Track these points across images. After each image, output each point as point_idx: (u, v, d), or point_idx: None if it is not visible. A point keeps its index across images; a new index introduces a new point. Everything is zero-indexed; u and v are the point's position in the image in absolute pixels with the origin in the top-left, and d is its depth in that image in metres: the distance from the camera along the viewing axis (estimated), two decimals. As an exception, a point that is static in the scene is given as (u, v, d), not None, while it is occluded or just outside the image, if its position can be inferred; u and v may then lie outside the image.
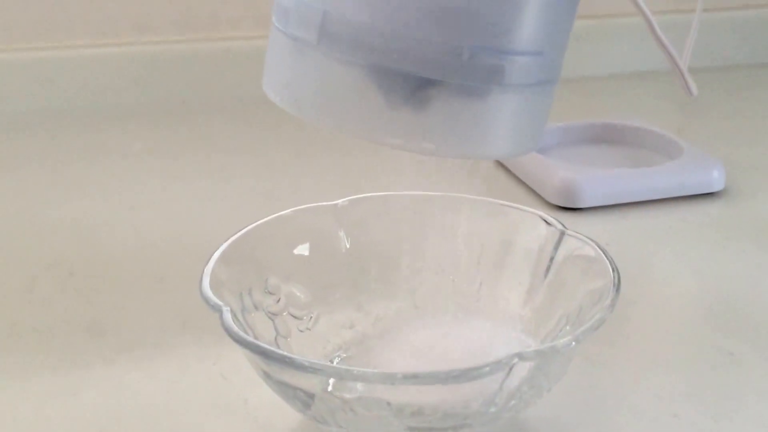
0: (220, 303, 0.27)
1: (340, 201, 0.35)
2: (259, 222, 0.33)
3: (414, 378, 0.24)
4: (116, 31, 0.68)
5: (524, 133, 0.28)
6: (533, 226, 0.34)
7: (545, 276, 0.33)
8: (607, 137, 0.58)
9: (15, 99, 0.66)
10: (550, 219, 0.33)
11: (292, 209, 0.34)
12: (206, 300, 0.28)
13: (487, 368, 0.24)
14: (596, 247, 0.31)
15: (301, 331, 0.33)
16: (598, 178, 0.49)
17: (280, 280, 0.33)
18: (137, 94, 0.68)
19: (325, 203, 0.34)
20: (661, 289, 0.41)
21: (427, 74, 0.25)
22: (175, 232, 0.46)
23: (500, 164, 0.55)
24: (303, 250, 0.34)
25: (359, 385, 0.25)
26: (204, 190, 0.52)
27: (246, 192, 0.52)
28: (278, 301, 0.32)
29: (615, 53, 0.79)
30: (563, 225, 0.33)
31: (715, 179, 0.50)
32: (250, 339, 0.26)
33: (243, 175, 0.55)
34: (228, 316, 0.27)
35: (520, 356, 0.25)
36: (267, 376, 0.27)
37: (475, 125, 0.26)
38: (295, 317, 0.33)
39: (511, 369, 0.25)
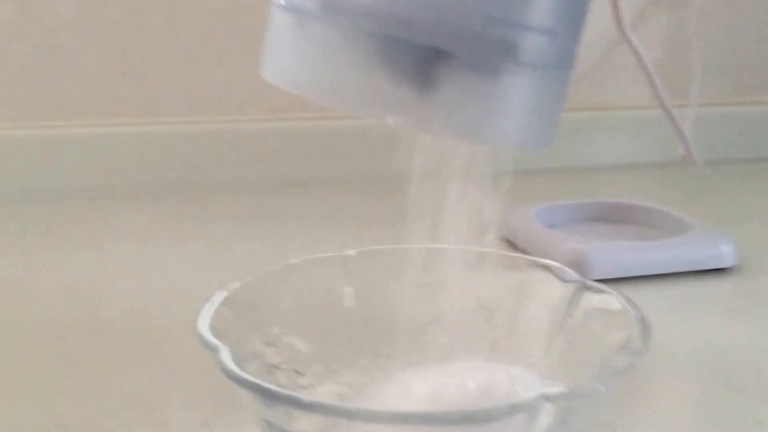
0: (218, 342, 0.26)
1: (349, 252, 0.33)
2: (265, 270, 0.31)
3: (434, 417, 0.22)
4: (124, 112, 0.69)
5: (537, 123, 0.26)
6: (549, 279, 0.32)
7: (563, 330, 0.31)
8: (615, 216, 0.57)
9: (24, 175, 0.66)
10: (566, 271, 0.32)
11: (300, 259, 0.32)
12: (202, 340, 0.26)
13: (509, 408, 0.22)
14: (619, 296, 0.30)
15: (304, 387, 0.30)
16: (608, 250, 0.48)
17: (281, 331, 0.31)
18: (143, 173, 0.68)
19: (333, 254, 0.33)
20: (678, 360, 0.39)
21: (437, 45, 0.23)
22: (172, 300, 0.44)
23: (506, 238, 0.54)
24: (308, 301, 0.32)
25: (371, 429, 0.23)
26: (205, 262, 0.51)
27: (248, 264, 0.50)
28: (279, 353, 0.30)
29: (615, 144, 0.80)
30: (581, 278, 0.32)
31: (726, 254, 0.49)
32: (251, 378, 0.24)
33: (244, 249, 0.54)
34: (227, 356, 0.25)
35: (546, 397, 0.23)
36: (268, 426, 0.25)
37: (485, 105, 0.24)
38: (297, 372, 0.31)
39: (535, 413, 0.23)
